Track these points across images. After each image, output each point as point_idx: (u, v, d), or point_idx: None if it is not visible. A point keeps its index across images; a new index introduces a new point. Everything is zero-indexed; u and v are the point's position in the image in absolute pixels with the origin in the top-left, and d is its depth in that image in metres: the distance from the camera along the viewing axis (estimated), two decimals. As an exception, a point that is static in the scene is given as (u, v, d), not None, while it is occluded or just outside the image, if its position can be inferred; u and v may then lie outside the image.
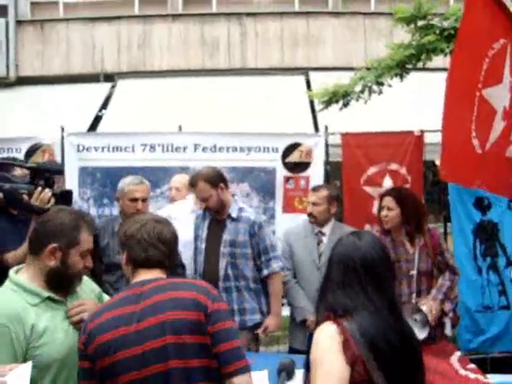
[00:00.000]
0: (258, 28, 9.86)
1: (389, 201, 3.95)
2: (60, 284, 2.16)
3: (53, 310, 2.13)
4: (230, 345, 2.01)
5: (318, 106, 5.64)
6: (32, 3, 10.38)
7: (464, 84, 3.55)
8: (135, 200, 3.80)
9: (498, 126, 3.68)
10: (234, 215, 3.91)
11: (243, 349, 2.11)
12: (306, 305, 4.02)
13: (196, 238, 4.02)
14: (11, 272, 2.20)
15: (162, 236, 2.14)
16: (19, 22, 10.16)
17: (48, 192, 3.03)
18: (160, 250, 2.12)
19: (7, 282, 2.16)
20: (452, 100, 3.52)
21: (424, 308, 3.64)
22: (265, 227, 4.00)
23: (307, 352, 1.94)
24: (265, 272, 3.89)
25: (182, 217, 4.31)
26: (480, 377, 3.07)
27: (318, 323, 1.95)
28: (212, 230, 3.96)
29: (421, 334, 3.48)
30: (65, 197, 3.22)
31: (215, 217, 3.97)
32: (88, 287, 2.39)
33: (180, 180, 4.80)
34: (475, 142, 3.63)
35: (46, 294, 2.10)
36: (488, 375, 3.15)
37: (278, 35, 9.84)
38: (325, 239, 4.14)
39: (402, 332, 1.94)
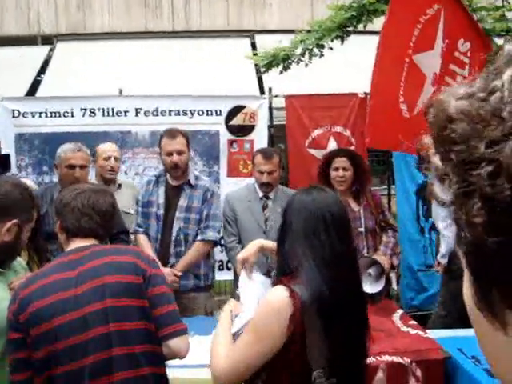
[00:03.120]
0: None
1: (343, 161, 4.02)
2: (8, 257, 2.18)
3: None
4: (167, 308, 2.03)
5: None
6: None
7: (394, 49, 3.58)
8: (73, 167, 3.75)
9: (428, 91, 3.74)
10: (192, 182, 3.92)
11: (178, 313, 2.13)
12: (254, 269, 4.05)
13: (149, 203, 3.96)
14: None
15: (98, 206, 2.12)
16: None
17: None
18: (94, 219, 2.10)
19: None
20: (381, 65, 3.55)
21: (380, 259, 3.72)
22: (216, 197, 4.02)
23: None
24: (199, 237, 3.89)
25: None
26: (420, 332, 3.18)
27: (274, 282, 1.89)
28: (169, 195, 3.94)
29: (374, 287, 3.55)
30: (1, 161, 3.13)
31: (170, 183, 3.95)
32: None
33: (115, 149, 4.58)
34: (403, 106, 3.70)
35: None
36: (428, 331, 3.25)
37: (223, -3, 9.65)
38: (270, 203, 4.15)
39: (356, 286, 1.93)
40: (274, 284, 1.83)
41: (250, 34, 9.39)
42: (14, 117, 5.30)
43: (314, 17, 9.04)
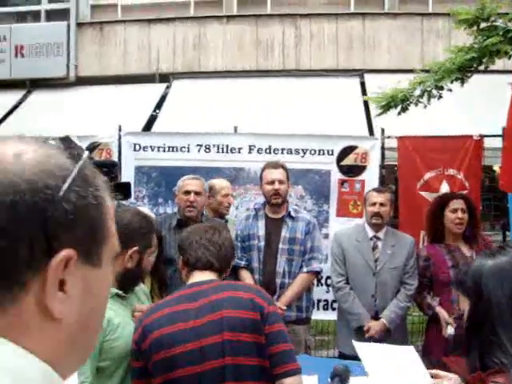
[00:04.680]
0: (312, 29, 9.81)
1: (461, 203, 3.97)
2: (131, 283, 2.29)
3: (120, 306, 2.23)
4: (283, 347, 2.05)
5: (375, 110, 5.53)
6: (92, 6, 10.63)
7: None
8: (188, 193, 3.94)
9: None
10: (293, 214, 4.00)
11: (294, 352, 2.14)
12: (363, 312, 3.98)
13: (249, 236, 4.04)
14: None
15: (214, 239, 2.22)
16: (79, 25, 10.43)
17: None
18: (210, 251, 2.19)
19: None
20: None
21: None
22: (318, 229, 4.14)
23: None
24: (304, 269, 3.93)
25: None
26: None
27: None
28: (269, 228, 4.01)
29: None
30: (121, 189, 3.30)
31: (270, 216, 4.03)
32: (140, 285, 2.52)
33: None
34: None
35: (115, 290, 2.18)
36: None
37: (333, 36, 9.76)
38: (380, 244, 4.09)
39: None
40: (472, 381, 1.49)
41: (359, 73, 9.41)
42: (135, 150, 5.61)
43: (424, 56, 8.94)
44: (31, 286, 0.63)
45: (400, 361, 2.08)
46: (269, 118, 7.15)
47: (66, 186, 0.65)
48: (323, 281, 5.17)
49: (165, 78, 9.76)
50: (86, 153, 0.71)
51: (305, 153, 5.40)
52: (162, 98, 8.98)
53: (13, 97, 9.85)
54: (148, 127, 7.92)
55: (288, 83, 8.93)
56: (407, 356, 2.13)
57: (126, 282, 2.27)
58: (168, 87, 9.44)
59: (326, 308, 5.41)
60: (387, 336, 3.88)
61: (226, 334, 1.99)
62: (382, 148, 5.49)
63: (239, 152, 5.49)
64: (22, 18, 11.04)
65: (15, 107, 9.63)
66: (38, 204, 0.63)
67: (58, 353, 0.66)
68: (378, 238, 4.10)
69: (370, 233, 4.11)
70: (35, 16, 10.97)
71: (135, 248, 2.22)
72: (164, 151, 5.57)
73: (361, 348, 2.14)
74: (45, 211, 0.63)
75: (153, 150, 5.60)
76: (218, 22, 9.99)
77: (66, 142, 0.72)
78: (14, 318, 0.62)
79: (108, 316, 2.10)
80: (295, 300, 3.93)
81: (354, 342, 2.60)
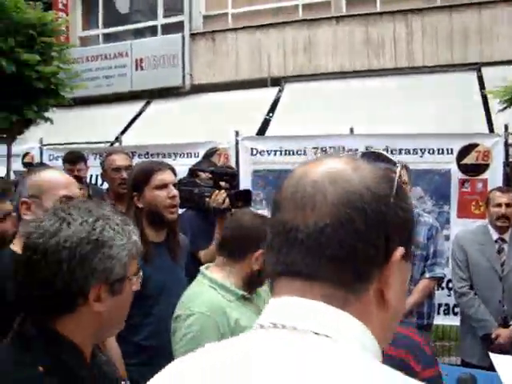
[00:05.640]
0: (424, 24, 9.53)
1: None
2: (256, 285, 2.36)
3: (245, 308, 2.31)
4: None
5: (497, 105, 5.30)
6: (204, 17, 11.03)
7: None
8: None
9: None
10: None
11: None
12: (490, 318, 3.83)
13: None
14: (203, 269, 2.41)
15: None
16: (193, 35, 10.87)
17: (223, 193, 3.27)
18: None
19: (201, 278, 2.37)
20: None
21: None
22: (440, 232, 4.03)
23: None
24: (427, 274, 3.83)
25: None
26: None
27: None
28: None
29: None
30: (241, 197, 3.42)
31: None
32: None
33: None
34: None
35: (241, 292, 2.27)
36: None
37: (447, 30, 9.42)
38: (506, 247, 3.92)
39: None
40: None
41: (475, 66, 9.01)
42: (252, 154, 5.78)
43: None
44: (374, 280, 0.77)
45: None
46: (384, 118, 7.04)
47: (394, 192, 0.78)
48: (444, 284, 5.03)
49: (276, 81, 9.90)
50: (399, 166, 0.86)
51: (423, 153, 5.30)
52: (275, 102, 9.12)
53: (134, 107, 10.47)
54: (262, 131, 8.09)
55: (401, 81, 8.74)
56: None
57: (252, 284, 2.34)
58: (280, 91, 9.57)
59: (446, 313, 5.27)
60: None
61: None
62: (506, 145, 5.25)
63: (356, 154, 5.46)
64: (140, 33, 11.70)
65: (136, 117, 10.22)
66: (381, 210, 0.77)
67: (379, 335, 0.79)
68: (504, 241, 3.94)
69: (495, 235, 3.95)
70: (152, 30, 11.59)
71: (261, 251, 2.30)
72: (281, 155, 5.70)
73: (499, 361, 2.06)
74: (385, 215, 0.77)
75: (269, 154, 5.74)
76: (327, 24, 9.98)
77: (375, 155, 0.86)
78: (363, 306, 0.77)
79: (235, 317, 2.20)
80: (416, 306, 3.86)
81: (491, 354, 2.50)
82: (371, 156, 0.84)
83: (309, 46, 9.99)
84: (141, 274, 1.48)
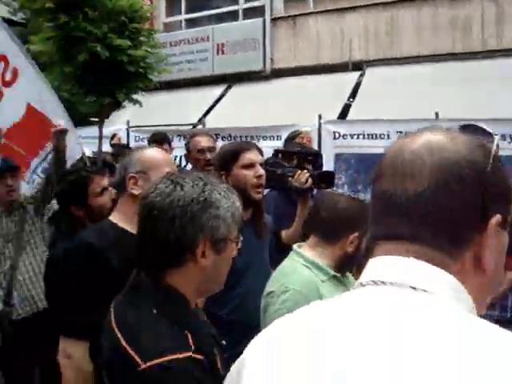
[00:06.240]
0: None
1: None
2: (348, 267, 2.38)
3: (336, 288, 2.33)
4: None
5: None
6: (285, 1, 11.02)
7: None
8: None
9: None
10: None
11: None
12: None
13: None
14: (296, 248, 2.45)
15: None
16: (274, 20, 10.90)
17: (305, 173, 3.26)
18: None
19: (295, 256, 2.41)
20: None
21: None
22: None
23: None
24: None
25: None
26: None
27: None
28: None
29: None
30: (325, 178, 3.42)
31: None
32: None
33: None
34: None
35: (333, 272, 2.30)
36: None
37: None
38: None
39: None
40: None
41: None
42: (334, 138, 5.77)
43: None
44: (471, 245, 0.81)
45: None
46: (470, 102, 6.84)
47: (490, 161, 0.81)
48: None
49: (358, 66, 9.79)
50: (496, 137, 0.90)
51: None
52: (356, 86, 9.03)
53: (215, 91, 10.67)
54: (343, 116, 8.05)
55: (489, 64, 8.41)
56: None
57: (343, 266, 2.34)
58: (361, 75, 9.46)
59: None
60: None
61: None
62: None
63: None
64: (221, 18, 11.85)
65: (218, 101, 10.42)
66: (478, 177, 0.80)
67: (475, 299, 0.82)
68: None
69: None
70: (234, 15, 11.71)
71: (356, 234, 2.31)
72: (363, 138, 5.65)
73: None
74: (482, 183, 0.80)
75: (352, 138, 5.72)
76: (410, 5, 9.71)
77: (473, 128, 0.93)
78: (459, 269, 0.80)
79: (327, 297, 2.24)
80: (499, 298, 3.73)
81: None
82: (469, 129, 0.91)
83: (391, 30, 9.78)
84: (241, 238, 1.61)
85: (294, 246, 2.47)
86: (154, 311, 1.39)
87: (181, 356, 1.29)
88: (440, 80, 7.99)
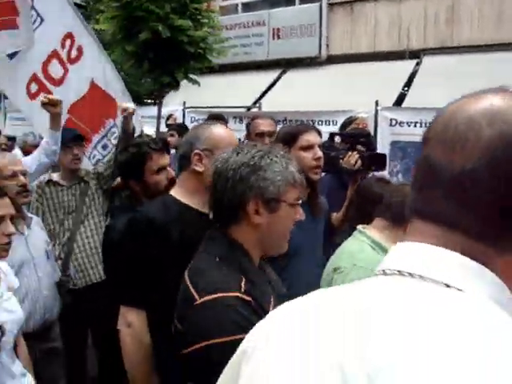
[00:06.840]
0: None
1: None
2: None
3: None
4: None
5: None
6: (343, -15, 10.92)
7: None
8: None
9: None
10: None
11: None
12: None
13: None
14: (362, 229, 2.48)
15: None
16: (331, 5, 10.80)
17: (355, 155, 3.27)
18: None
19: (360, 236, 2.44)
20: None
21: None
22: None
23: None
24: None
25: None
26: None
27: None
28: None
29: None
30: (376, 160, 3.41)
31: None
32: None
33: None
34: None
35: None
36: None
37: None
38: None
39: None
40: None
41: None
42: (391, 125, 5.73)
43: None
44: None
45: None
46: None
47: None
48: None
49: (415, 54, 9.63)
50: None
51: None
52: (412, 75, 8.90)
53: (270, 75, 10.69)
54: (398, 104, 7.94)
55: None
56: None
57: None
58: (418, 64, 9.31)
59: None
60: None
61: None
62: None
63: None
64: (278, 3, 11.82)
65: (272, 85, 10.44)
66: None
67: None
68: None
69: None
70: (290, 0, 11.66)
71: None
72: (421, 126, 5.60)
73: None
74: None
75: (409, 126, 5.68)
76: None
77: None
78: (505, 265, 0.68)
79: None
80: None
81: None
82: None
83: (451, 17, 9.56)
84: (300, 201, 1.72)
85: (359, 227, 2.51)
86: (217, 259, 1.59)
87: (229, 294, 1.47)
88: (500, 71, 7.77)
